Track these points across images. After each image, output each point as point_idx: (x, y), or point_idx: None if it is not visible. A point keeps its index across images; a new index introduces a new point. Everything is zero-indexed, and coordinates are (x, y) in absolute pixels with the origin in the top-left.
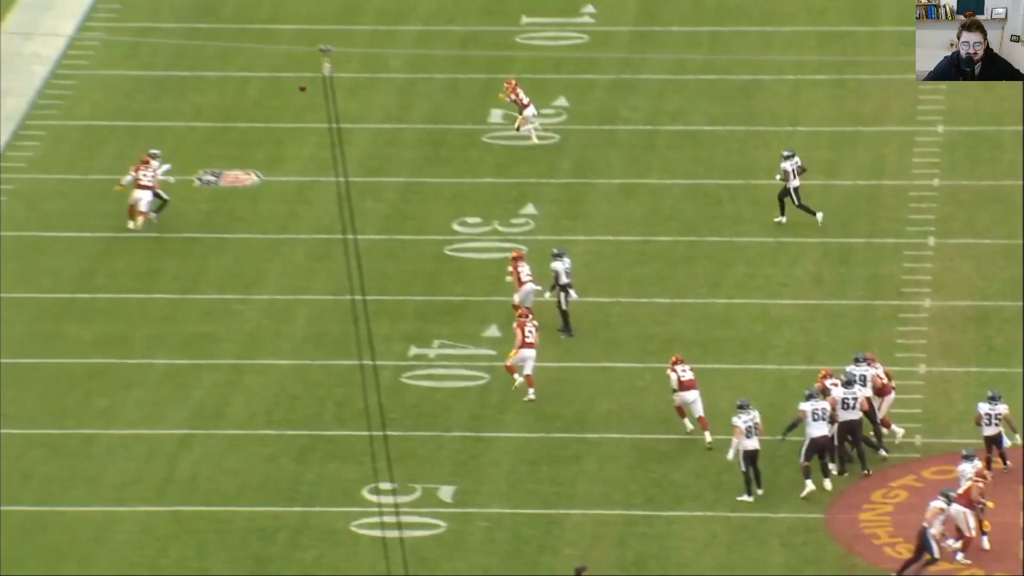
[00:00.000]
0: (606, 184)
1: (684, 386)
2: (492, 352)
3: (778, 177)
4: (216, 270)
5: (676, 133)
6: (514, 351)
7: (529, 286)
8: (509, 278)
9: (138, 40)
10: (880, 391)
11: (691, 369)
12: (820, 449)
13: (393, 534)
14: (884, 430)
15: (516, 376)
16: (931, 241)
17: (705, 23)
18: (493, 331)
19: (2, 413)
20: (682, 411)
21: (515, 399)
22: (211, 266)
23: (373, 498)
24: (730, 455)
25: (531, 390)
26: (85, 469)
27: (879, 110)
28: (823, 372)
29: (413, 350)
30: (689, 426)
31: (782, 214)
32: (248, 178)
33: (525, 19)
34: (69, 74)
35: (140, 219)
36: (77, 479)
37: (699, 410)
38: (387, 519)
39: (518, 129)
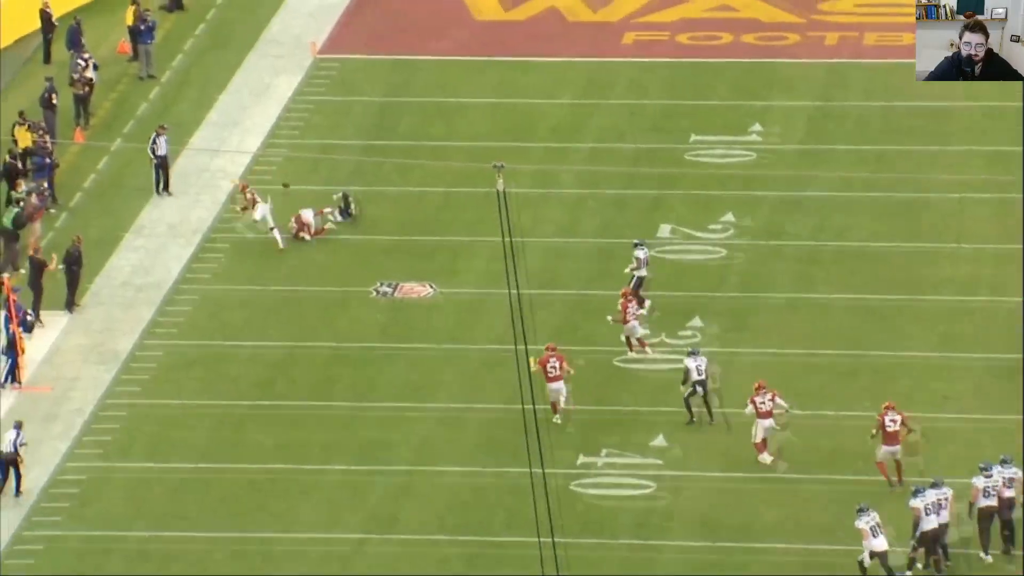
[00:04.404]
0: (772, 298)
1: (763, 415)
2: (659, 462)
3: None
4: (391, 379)
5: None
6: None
7: (633, 323)
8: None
9: (318, 156)
10: None
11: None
12: (931, 542)
13: None
14: None
15: (556, 418)
16: None
17: (870, 142)
18: (659, 441)
19: (186, 517)
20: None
21: (682, 508)
22: (386, 375)
23: None
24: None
25: (556, 416)
26: (264, 571)
27: None
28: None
29: (581, 459)
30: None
31: None
32: (423, 290)
33: (694, 137)
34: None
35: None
36: None
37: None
38: None
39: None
